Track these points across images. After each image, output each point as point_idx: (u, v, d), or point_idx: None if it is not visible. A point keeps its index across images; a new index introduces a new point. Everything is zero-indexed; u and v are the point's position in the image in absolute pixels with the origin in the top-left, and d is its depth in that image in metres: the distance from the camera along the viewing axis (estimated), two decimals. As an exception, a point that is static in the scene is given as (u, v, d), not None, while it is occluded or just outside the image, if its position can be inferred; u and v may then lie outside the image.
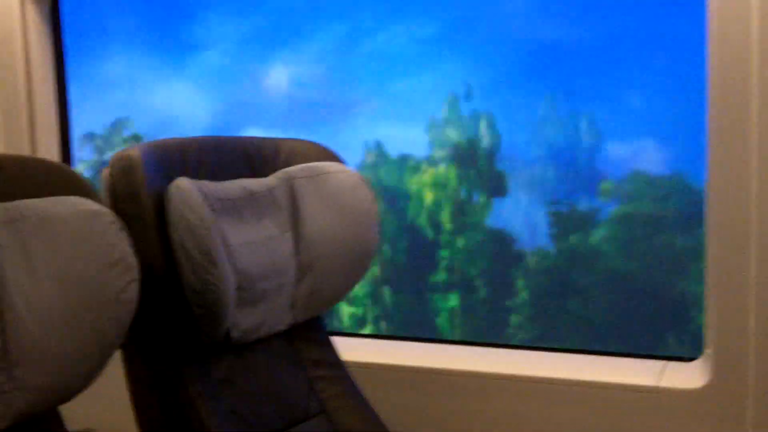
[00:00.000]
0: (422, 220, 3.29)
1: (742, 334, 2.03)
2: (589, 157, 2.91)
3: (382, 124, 3.07)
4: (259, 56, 3.23)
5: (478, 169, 3.13)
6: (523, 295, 3.21)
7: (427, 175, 3.20)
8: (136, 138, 3.22)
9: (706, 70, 2.04)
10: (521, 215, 3.15)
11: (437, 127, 3.08)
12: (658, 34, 2.65)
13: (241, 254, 1.84)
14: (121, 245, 1.51)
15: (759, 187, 1.96)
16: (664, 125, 2.71)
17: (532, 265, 3.21)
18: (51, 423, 1.52)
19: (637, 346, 3.07)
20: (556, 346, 2.55)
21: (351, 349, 2.39)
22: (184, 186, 1.76)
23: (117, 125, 3.31)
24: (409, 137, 3.04)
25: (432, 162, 3.17)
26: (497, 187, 3.16)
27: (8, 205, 1.39)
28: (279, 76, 3.20)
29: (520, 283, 3.23)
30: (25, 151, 2.79)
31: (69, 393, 1.46)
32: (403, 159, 3.20)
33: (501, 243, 3.28)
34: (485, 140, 3.06)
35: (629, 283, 3.13)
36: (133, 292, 1.51)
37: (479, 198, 3.24)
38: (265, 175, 2.03)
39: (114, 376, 1.71)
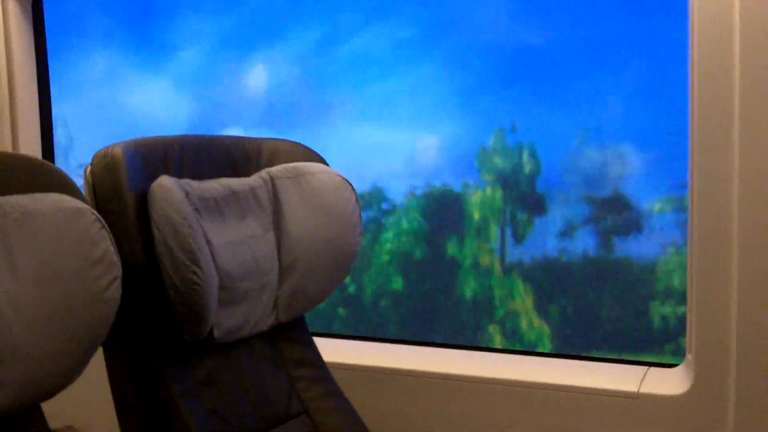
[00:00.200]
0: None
1: (723, 341, 2.04)
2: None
3: (362, 126, 3.06)
4: (237, 57, 3.22)
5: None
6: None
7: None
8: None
9: (689, 73, 2.05)
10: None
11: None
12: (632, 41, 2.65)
13: (223, 253, 1.83)
14: (104, 243, 1.50)
15: (740, 193, 1.97)
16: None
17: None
18: (33, 420, 1.51)
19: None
20: (539, 351, 2.55)
21: (333, 351, 2.39)
22: (166, 184, 1.75)
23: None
24: (388, 141, 3.03)
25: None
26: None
27: None
28: (257, 77, 3.19)
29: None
30: (6, 147, 2.77)
31: (51, 390, 1.45)
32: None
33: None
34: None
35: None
36: (115, 290, 1.51)
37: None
38: (247, 174, 2.03)
39: (96, 374, 1.71)
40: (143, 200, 1.75)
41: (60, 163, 3.14)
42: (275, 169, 2.04)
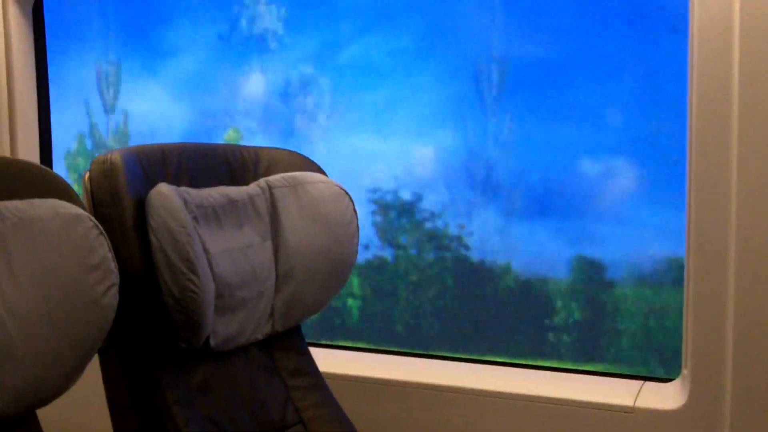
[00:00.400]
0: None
1: (720, 355, 2.04)
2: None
3: (357, 135, 3.07)
4: (232, 64, 3.22)
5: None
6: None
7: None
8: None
9: (688, 79, 2.05)
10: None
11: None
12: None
13: (220, 262, 1.83)
14: (101, 249, 1.50)
15: (738, 202, 1.97)
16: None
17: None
18: (28, 426, 1.51)
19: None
20: (535, 363, 2.55)
21: (329, 361, 2.39)
22: (165, 191, 1.75)
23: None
24: (383, 149, 3.04)
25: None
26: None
27: None
28: (253, 85, 3.19)
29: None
30: (5, 153, 2.77)
31: (46, 396, 1.45)
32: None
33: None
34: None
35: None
36: (112, 296, 1.50)
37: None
38: (245, 183, 2.03)
39: (91, 380, 1.70)
40: (141, 207, 1.75)
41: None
42: (273, 178, 2.04)
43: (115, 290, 1.51)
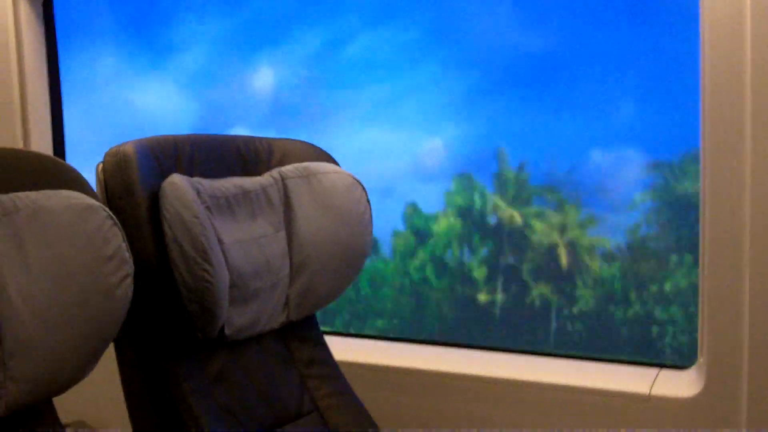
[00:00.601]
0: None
1: (736, 343, 2.03)
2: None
3: (366, 128, 3.07)
4: (241, 58, 3.22)
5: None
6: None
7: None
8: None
9: (700, 76, 2.04)
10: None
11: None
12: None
13: (234, 252, 1.83)
14: (115, 240, 1.50)
15: (752, 195, 1.96)
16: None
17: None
18: (44, 415, 1.51)
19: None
20: (550, 351, 2.54)
21: (344, 349, 2.39)
22: (178, 182, 1.75)
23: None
24: (391, 140, 3.04)
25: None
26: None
27: (2, 197, 1.38)
28: (261, 79, 3.19)
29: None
30: (18, 145, 2.78)
31: (63, 385, 1.45)
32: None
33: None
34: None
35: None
36: (127, 287, 1.51)
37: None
38: (258, 173, 2.03)
39: (107, 371, 1.71)
40: (155, 198, 1.75)
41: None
42: (286, 169, 2.04)
43: (129, 281, 1.51)
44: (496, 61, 2.87)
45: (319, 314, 2.19)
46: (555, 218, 2.94)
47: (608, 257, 2.93)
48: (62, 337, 1.41)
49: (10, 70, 2.78)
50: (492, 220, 3.08)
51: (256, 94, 3.21)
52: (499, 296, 3.05)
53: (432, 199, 3.15)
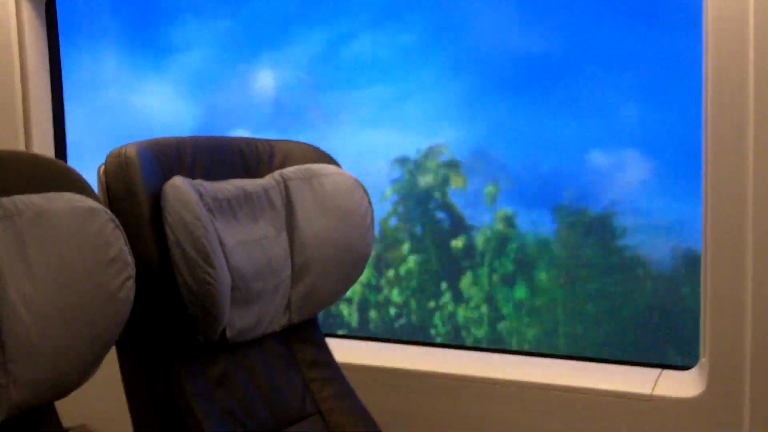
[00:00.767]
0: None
1: (738, 343, 2.03)
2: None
3: (366, 130, 3.07)
4: (241, 60, 3.22)
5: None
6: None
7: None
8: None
9: (703, 76, 2.04)
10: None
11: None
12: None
13: (236, 254, 1.83)
14: (118, 243, 1.50)
15: (755, 195, 1.96)
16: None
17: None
18: (46, 418, 1.51)
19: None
20: (551, 352, 2.55)
21: (346, 351, 2.39)
22: (180, 184, 1.75)
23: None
24: (392, 142, 3.05)
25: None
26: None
27: (4, 200, 1.38)
28: (261, 80, 3.19)
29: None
30: (20, 147, 2.78)
31: (65, 389, 1.45)
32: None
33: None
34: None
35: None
36: (129, 289, 1.51)
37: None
38: (260, 175, 2.03)
39: (109, 374, 1.71)
40: (156, 200, 1.75)
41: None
42: (288, 171, 2.04)
43: (131, 283, 1.51)
44: (497, 62, 2.87)
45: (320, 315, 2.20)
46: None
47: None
48: (64, 341, 1.41)
49: (13, 71, 2.77)
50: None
51: (256, 95, 3.21)
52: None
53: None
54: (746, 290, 2.00)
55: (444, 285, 3.07)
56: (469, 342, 3.04)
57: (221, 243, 1.80)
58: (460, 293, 3.03)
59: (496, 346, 2.98)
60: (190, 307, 1.73)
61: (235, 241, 1.84)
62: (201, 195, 1.79)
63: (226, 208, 1.86)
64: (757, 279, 1.98)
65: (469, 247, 3.01)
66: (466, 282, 3.02)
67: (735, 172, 1.97)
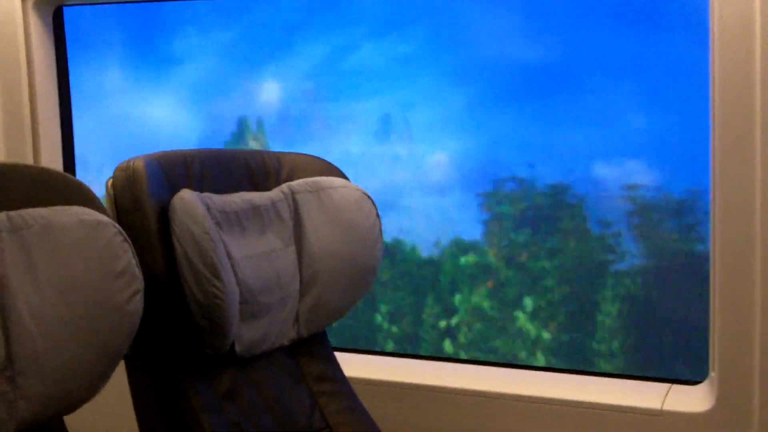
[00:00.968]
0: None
1: (747, 358, 2.02)
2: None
3: (364, 140, 3.07)
4: (242, 71, 3.23)
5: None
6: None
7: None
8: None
9: (710, 80, 2.03)
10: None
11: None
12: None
13: (244, 267, 1.83)
14: (126, 256, 1.50)
15: (763, 202, 1.95)
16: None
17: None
18: (55, 433, 1.51)
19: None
20: (561, 367, 2.54)
21: (354, 365, 2.38)
22: (187, 198, 1.75)
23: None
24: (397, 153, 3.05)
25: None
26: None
27: (12, 213, 1.38)
28: (263, 92, 3.20)
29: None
30: (28, 160, 2.78)
31: (73, 403, 1.45)
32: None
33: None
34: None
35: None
36: (137, 303, 1.50)
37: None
38: (267, 188, 2.03)
39: (118, 387, 1.70)
40: (164, 213, 1.75)
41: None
42: (296, 183, 2.04)
43: (140, 296, 1.51)
44: (496, 72, 2.87)
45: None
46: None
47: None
48: (73, 354, 1.40)
49: (21, 84, 2.77)
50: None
51: (259, 106, 3.21)
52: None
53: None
54: (755, 304, 2.00)
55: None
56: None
57: (229, 256, 1.79)
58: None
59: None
60: (198, 320, 1.72)
61: (242, 254, 1.84)
62: (209, 208, 1.79)
63: (234, 221, 1.86)
64: (765, 293, 1.98)
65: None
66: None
67: (743, 185, 1.97)
